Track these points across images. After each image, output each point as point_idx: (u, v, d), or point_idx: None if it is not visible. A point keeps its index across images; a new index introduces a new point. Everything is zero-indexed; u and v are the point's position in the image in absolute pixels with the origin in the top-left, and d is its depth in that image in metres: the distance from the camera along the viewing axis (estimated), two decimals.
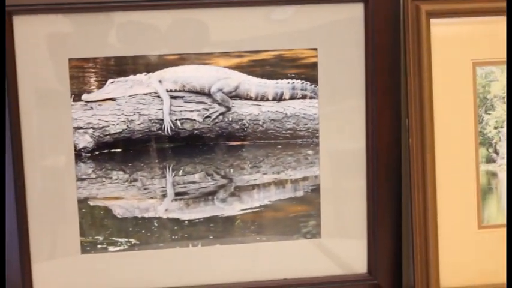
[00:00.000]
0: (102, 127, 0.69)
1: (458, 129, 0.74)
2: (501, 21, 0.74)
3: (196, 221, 0.74)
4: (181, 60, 0.69)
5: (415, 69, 0.71)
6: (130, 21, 0.69)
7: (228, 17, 0.70)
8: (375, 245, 0.75)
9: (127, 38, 0.69)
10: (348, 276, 0.76)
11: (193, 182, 0.73)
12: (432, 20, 0.70)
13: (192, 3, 0.69)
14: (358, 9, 0.70)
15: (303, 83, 0.72)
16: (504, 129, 0.75)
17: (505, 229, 0.75)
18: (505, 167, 0.76)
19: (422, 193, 0.72)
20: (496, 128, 0.74)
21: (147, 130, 0.70)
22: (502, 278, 0.72)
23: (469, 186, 0.74)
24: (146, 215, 0.72)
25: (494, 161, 0.74)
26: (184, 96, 0.70)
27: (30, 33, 0.67)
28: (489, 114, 0.73)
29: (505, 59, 0.75)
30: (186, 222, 0.73)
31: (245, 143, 0.73)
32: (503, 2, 0.71)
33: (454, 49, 0.72)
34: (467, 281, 0.74)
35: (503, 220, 0.75)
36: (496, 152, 0.74)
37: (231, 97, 0.71)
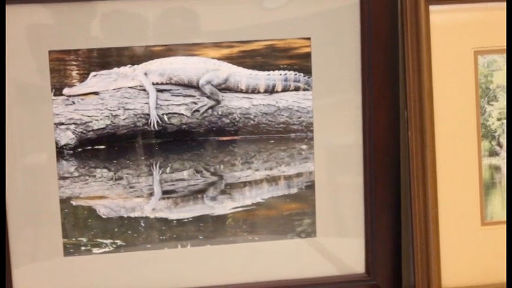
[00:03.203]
0: (85, 123, 0.68)
1: (459, 121, 0.73)
2: (503, 8, 0.73)
3: (185, 220, 0.72)
4: (168, 51, 0.69)
5: (413, 59, 0.71)
6: (115, 11, 0.68)
7: (218, 5, 0.69)
8: (373, 244, 0.74)
9: (111, 29, 0.68)
10: (345, 277, 0.75)
11: (182, 180, 0.72)
12: (431, 7, 0.70)
13: None
14: None
15: (296, 74, 0.71)
16: None
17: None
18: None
19: (422, 189, 0.71)
20: (499, 119, 0.73)
21: (132, 125, 0.69)
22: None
23: (471, 180, 0.73)
24: (132, 215, 0.71)
25: (497, 154, 0.73)
26: (171, 90, 0.69)
27: (8, 24, 0.65)
28: (492, 105, 0.72)
29: (502, 47, 0.74)
30: (175, 221, 0.72)
31: (236, 138, 0.72)
32: None
33: (455, 37, 0.71)
34: (470, 280, 0.74)
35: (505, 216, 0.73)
36: (499, 144, 0.73)
37: (220, 90, 0.70)
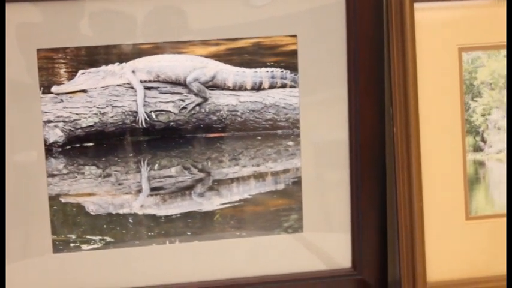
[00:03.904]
0: (73, 120, 0.69)
1: (444, 117, 0.74)
2: (487, 5, 0.75)
3: (174, 216, 0.73)
4: (155, 49, 0.69)
5: (398, 56, 0.71)
6: (103, 9, 0.68)
7: (206, 3, 0.69)
8: (359, 239, 0.75)
9: (99, 27, 0.68)
10: (331, 272, 0.75)
11: (170, 176, 0.72)
12: (416, 5, 0.70)
13: None
14: None
15: (282, 71, 0.71)
16: (492, 116, 0.75)
17: (493, 220, 0.78)
18: (492, 155, 0.76)
19: (408, 184, 0.72)
20: (483, 115, 0.74)
21: (120, 123, 0.70)
22: (492, 270, 0.74)
23: (456, 176, 0.74)
24: (121, 212, 0.71)
25: (481, 150, 0.74)
26: (159, 87, 0.70)
27: None
28: (476, 101, 0.73)
29: (492, 44, 0.74)
30: (163, 218, 0.72)
31: (223, 134, 0.72)
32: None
33: (439, 34, 0.72)
34: (455, 274, 0.74)
35: (491, 211, 0.76)
36: (484, 140, 0.74)
37: (207, 87, 0.70)
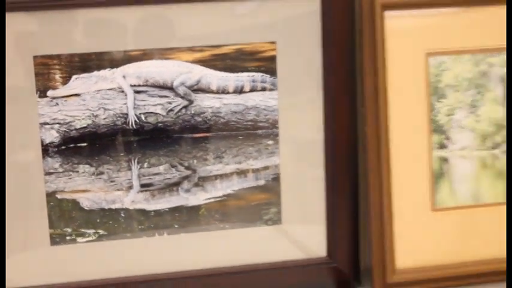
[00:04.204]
0: (68, 122, 0.70)
1: (411, 117, 0.76)
2: (453, 13, 0.76)
3: (162, 211, 0.74)
4: (144, 55, 0.70)
5: (369, 60, 0.73)
6: (95, 18, 0.69)
7: (192, 12, 0.70)
8: (334, 230, 0.77)
9: (92, 35, 0.70)
10: (308, 260, 0.77)
11: (158, 174, 0.74)
12: (386, 13, 0.72)
13: None
14: (316, 4, 0.71)
15: (262, 75, 0.73)
16: (455, 116, 0.78)
17: (456, 211, 0.80)
18: (456, 152, 0.79)
19: (378, 179, 0.75)
20: (447, 115, 0.77)
21: (112, 124, 0.71)
22: (455, 258, 0.78)
23: (422, 171, 0.76)
24: (113, 207, 0.73)
25: (446, 147, 0.77)
26: (147, 91, 0.71)
27: None
28: (441, 102, 0.76)
29: (456, 50, 0.76)
30: (152, 212, 0.74)
31: (208, 134, 0.74)
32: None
33: (408, 40, 0.74)
34: (422, 261, 0.77)
35: (455, 203, 0.79)
36: (448, 138, 0.77)
37: (193, 90, 0.72)
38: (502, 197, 0.79)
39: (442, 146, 0.77)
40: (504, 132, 0.79)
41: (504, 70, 0.78)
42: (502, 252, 0.75)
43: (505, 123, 0.79)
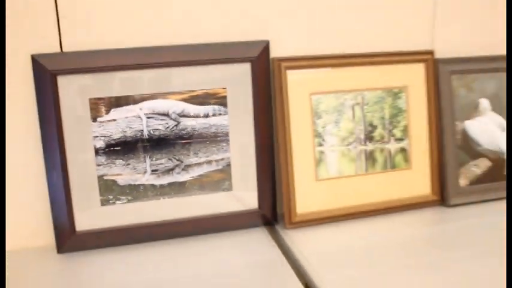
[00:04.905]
0: (109, 135, 0.85)
1: (303, 129, 0.91)
2: (324, 71, 0.93)
3: (164, 185, 0.89)
4: (152, 97, 0.85)
5: (279, 97, 0.89)
6: (125, 76, 0.84)
7: (181, 72, 0.85)
8: (261, 193, 0.94)
9: (123, 86, 0.83)
10: (247, 211, 0.94)
11: (161, 164, 0.88)
12: (288, 71, 0.90)
13: (163, 63, 0.84)
14: (248, 66, 0.89)
15: (219, 107, 0.88)
16: (327, 128, 0.94)
17: (328, 181, 0.94)
18: (328, 148, 0.94)
19: (286, 164, 0.91)
20: (323, 127, 0.93)
21: (134, 136, 0.87)
22: (329, 206, 0.94)
23: (310, 158, 0.93)
24: (136, 183, 0.88)
25: (322, 145, 0.94)
26: (154, 117, 0.86)
27: (67, 85, 0.81)
28: (319, 119, 0.93)
29: (326, 91, 0.91)
30: (158, 186, 0.89)
31: (189, 141, 0.88)
32: (329, 60, 0.91)
33: (300, 86, 0.91)
34: (310, 208, 0.94)
35: (328, 176, 0.95)
36: (323, 140, 0.94)
37: (180, 116, 0.87)
38: (353, 171, 0.97)
39: (320, 145, 0.93)
40: (354, 137, 0.97)
41: (352, 102, 0.95)
42: (355, 200, 0.96)
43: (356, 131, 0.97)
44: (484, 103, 1.05)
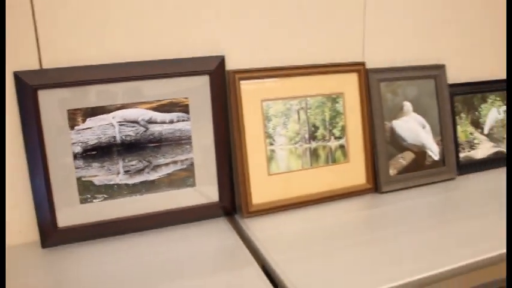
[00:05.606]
0: (86, 141, 0.90)
1: (256, 131, 1.01)
2: (273, 81, 1.00)
3: (136, 183, 0.96)
4: (124, 106, 0.91)
5: (234, 105, 0.97)
6: (99, 89, 0.89)
7: (150, 84, 0.92)
8: (221, 187, 1.01)
9: (98, 97, 0.89)
10: (209, 203, 1.01)
11: (133, 165, 0.95)
12: (242, 81, 0.98)
13: (133, 77, 0.89)
14: (207, 78, 0.96)
15: (183, 114, 0.95)
16: (276, 129, 1.02)
17: (279, 175, 1.03)
18: (278, 147, 1.02)
19: (241, 161, 0.99)
20: (273, 129, 1.02)
21: (108, 142, 0.92)
22: (280, 196, 1.01)
23: (262, 155, 1.02)
24: (111, 183, 0.94)
25: (273, 144, 1.02)
26: (126, 124, 0.92)
27: (47, 98, 0.85)
28: (269, 122, 1.02)
29: (275, 98, 1.00)
30: (131, 184, 0.95)
31: (157, 144, 0.95)
32: (277, 71, 0.97)
33: (252, 94, 0.99)
34: (264, 199, 1.02)
35: (278, 171, 1.03)
36: (274, 140, 1.02)
37: (148, 123, 0.93)
38: (300, 166, 1.04)
39: (271, 144, 1.02)
40: (299, 137, 1.07)
41: (298, 107, 1.05)
42: (302, 191, 1.03)
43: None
44: (407, 105, 1.19)
